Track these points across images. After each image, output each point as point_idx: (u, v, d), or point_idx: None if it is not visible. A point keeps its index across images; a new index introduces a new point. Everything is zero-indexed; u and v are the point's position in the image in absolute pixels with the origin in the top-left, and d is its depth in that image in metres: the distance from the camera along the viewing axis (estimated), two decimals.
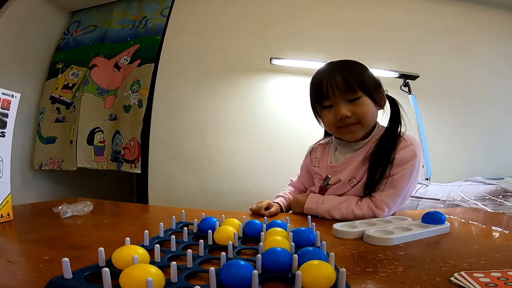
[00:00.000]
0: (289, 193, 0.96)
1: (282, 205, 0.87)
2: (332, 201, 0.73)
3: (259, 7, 1.85)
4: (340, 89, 0.72)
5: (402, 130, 0.77)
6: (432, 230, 0.56)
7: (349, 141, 0.79)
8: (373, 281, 0.36)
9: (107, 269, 0.31)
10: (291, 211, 0.87)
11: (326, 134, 0.94)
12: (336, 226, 0.58)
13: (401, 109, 0.79)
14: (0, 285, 0.34)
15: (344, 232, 0.55)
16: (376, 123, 0.80)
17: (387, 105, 0.81)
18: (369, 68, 0.78)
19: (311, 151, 0.93)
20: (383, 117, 0.82)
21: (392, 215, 0.73)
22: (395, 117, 0.78)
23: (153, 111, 1.73)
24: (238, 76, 1.79)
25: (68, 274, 0.33)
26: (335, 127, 0.77)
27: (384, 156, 0.72)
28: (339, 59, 0.80)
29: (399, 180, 0.71)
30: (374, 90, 0.75)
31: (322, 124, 0.83)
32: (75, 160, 1.75)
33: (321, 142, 0.93)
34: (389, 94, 0.81)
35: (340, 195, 0.77)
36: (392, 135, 0.76)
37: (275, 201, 0.88)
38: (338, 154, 0.83)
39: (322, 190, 0.81)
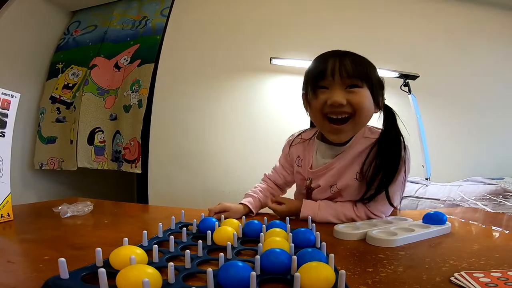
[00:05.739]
0: (260, 191, 0.86)
1: (250, 206, 0.78)
2: (328, 209, 0.71)
3: (259, 7, 1.85)
4: (342, 73, 0.64)
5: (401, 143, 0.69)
6: (434, 230, 0.56)
7: (332, 141, 0.72)
8: (373, 281, 0.36)
9: (103, 269, 0.31)
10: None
11: (312, 125, 0.86)
12: (338, 227, 0.58)
13: (398, 120, 0.71)
14: (0, 285, 0.34)
15: (346, 234, 0.55)
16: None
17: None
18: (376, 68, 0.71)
19: (292, 146, 0.84)
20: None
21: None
22: (390, 130, 0.70)
23: (153, 111, 1.73)
24: (238, 76, 1.79)
25: (64, 274, 0.33)
26: (322, 114, 0.68)
27: (384, 171, 0.67)
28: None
29: (394, 188, 0.68)
30: (377, 88, 0.68)
31: (309, 113, 0.75)
32: (76, 160, 1.75)
33: (302, 135, 0.84)
34: (386, 104, 0.73)
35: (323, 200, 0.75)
36: (392, 150, 0.68)
37: (242, 202, 0.80)
38: (319, 157, 0.77)
39: (308, 193, 0.79)
